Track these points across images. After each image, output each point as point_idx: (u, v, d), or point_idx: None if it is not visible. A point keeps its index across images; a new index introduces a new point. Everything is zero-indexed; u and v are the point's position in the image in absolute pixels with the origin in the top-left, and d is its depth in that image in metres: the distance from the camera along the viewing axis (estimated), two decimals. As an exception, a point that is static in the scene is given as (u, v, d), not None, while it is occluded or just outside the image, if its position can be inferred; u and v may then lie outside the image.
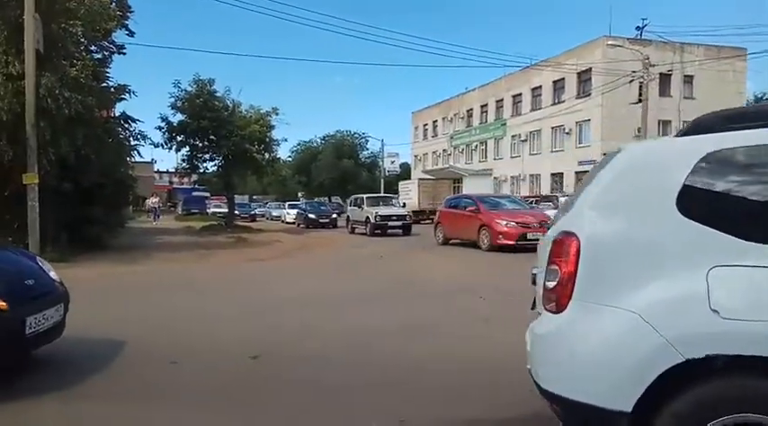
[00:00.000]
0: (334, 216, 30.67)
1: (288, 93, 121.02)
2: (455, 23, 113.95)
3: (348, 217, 25.60)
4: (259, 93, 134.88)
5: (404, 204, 28.89)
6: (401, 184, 49.65)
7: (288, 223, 35.03)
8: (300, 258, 14.93)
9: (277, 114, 26.50)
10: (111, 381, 4.29)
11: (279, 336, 5.73)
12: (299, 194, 62.31)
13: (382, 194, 37.02)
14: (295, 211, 35.86)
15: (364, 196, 25.16)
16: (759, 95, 42.62)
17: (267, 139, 26.12)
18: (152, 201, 36.07)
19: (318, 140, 68.10)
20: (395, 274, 10.93)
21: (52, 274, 4.74)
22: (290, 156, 68.58)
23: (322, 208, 34.11)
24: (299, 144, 68.27)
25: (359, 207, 23.81)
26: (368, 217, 22.16)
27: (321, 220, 30.08)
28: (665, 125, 34.40)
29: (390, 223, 21.67)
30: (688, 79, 34.81)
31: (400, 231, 21.51)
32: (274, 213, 43.96)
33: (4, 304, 3.87)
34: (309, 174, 62.21)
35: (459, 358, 4.90)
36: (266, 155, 26.66)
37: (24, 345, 4.21)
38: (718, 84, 34.11)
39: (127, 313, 6.95)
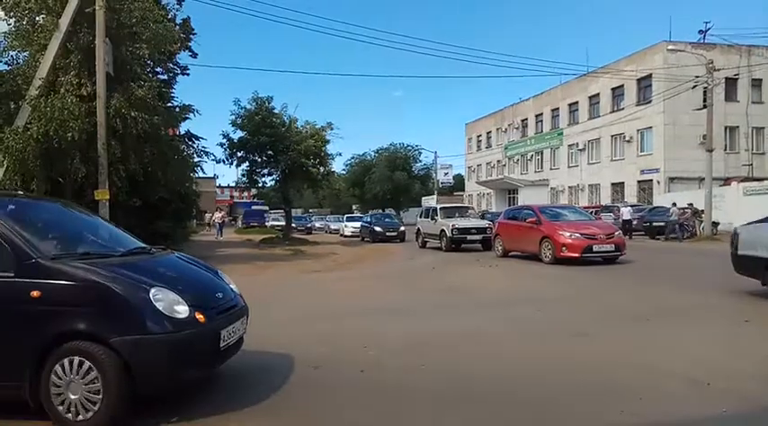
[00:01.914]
0: (402, 229, 28.20)
1: (342, 108, 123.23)
2: (507, 32, 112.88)
3: (418, 229, 23.18)
4: (315, 108, 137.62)
5: (482, 215, 26.69)
6: (424, 199, 49.46)
7: (346, 236, 33.85)
8: (356, 270, 15.04)
9: (332, 129, 27.01)
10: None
11: (342, 343, 5.79)
12: (354, 207, 62.93)
13: (458, 204, 36.32)
14: (354, 224, 34.49)
15: (438, 206, 23.21)
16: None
17: (322, 153, 26.60)
18: (217, 217, 35.63)
19: (372, 153, 68.69)
20: (454, 286, 10.80)
21: (233, 286, 4.70)
22: (344, 170, 69.50)
23: (387, 220, 31.39)
24: (352, 157, 69.09)
25: (432, 219, 21.53)
26: (443, 231, 19.87)
27: (388, 233, 27.77)
28: (731, 131, 32.78)
29: (469, 236, 19.46)
30: (756, 83, 33.07)
31: (480, 246, 19.24)
32: (333, 226, 43.04)
33: (202, 316, 3.79)
34: (363, 187, 62.73)
35: (541, 377, 4.81)
36: (321, 169, 27.16)
37: (218, 359, 4.12)
38: (791, 86, 32.24)
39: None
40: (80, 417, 3.46)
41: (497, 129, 54.15)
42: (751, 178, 29.98)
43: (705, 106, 23.95)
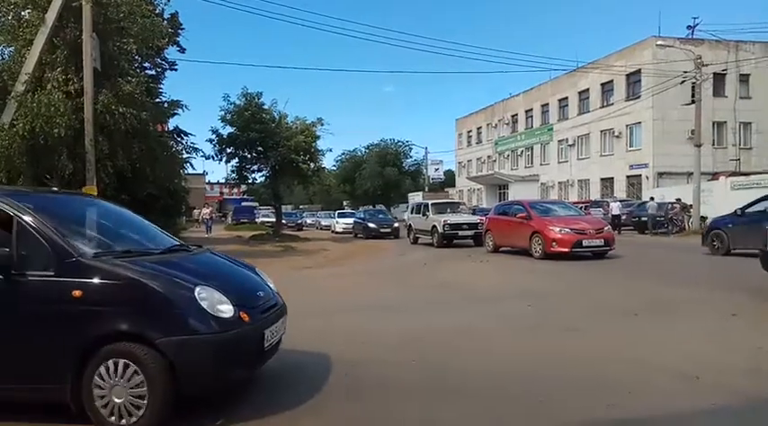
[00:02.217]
0: (396, 225, 27.89)
1: (332, 104, 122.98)
2: (499, 29, 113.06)
3: (410, 225, 23.17)
4: (305, 104, 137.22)
5: (474, 211, 26.48)
6: (410, 195, 49.61)
7: (337, 233, 33.50)
8: (347, 266, 15.02)
9: (322, 124, 26.91)
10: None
11: (333, 339, 5.78)
12: (344, 203, 62.80)
13: (449, 200, 36.25)
14: (346, 220, 34.07)
15: (429, 202, 22.81)
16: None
17: (312, 149, 26.52)
18: (205, 213, 35.13)
19: (362, 149, 68.61)
20: (445, 282, 10.83)
21: (271, 284, 4.58)
22: (334, 166, 69.32)
23: (381, 216, 31.30)
24: (343, 153, 68.94)
25: (423, 214, 21.37)
26: (434, 226, 19.88)
27: (382, 230, 27.48)
28: (719, 126, 33.06)
29: (461, 232, 19.47)
30: (744, 78, 33.35)
31: (471, 242, 19.26)
32: (324, 222, 42.61)
33: (246, 316, 3.67)
34: (354, 183, 62.67)
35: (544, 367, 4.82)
36: (312, 165, 27.08)
37: (262, 360, 4.00)
38: (778, 82, 32.57)
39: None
40: (124, 421, 3.36)
41: (488, 125, 54.25)
42: (738, 173, 30.25)
43: (693, 101, 24.16)
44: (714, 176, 29.35)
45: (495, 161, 52.24)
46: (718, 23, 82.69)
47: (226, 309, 3.55)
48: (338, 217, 37.55)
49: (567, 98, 41.70)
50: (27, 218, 3.56)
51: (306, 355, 5.10)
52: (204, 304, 3.47)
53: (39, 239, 3.49)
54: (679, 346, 5.33)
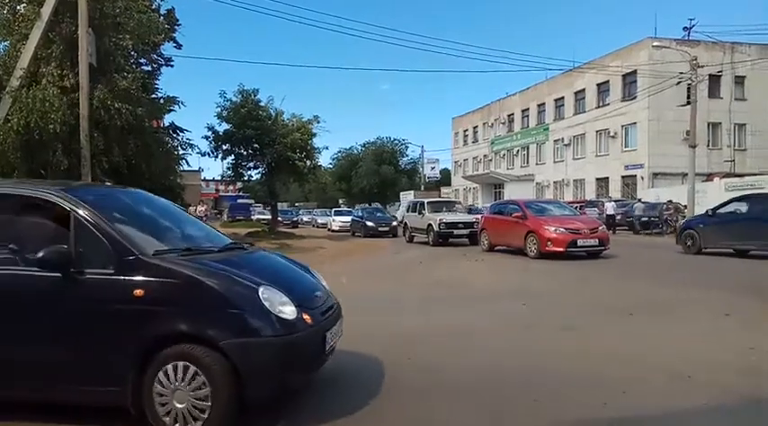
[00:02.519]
0: (395, 224, 27.44)
1: (329, 101, 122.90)
2: (495, 28, 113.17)
3: (405, 224, 23.18)
4: (301, 101, 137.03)
5: (470, 210, 26.78)
6: (402, 194, 49.74)
7: (334, 231, 33.13)
8: (343, 264, 15.02)
9: (318, 122, 26.89)
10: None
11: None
12: (340, 201, 62.79)
13: (445, 198, 35.92)
14: (343, 218, 33.70)
15: (425, 201, 22.68)
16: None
17: (308, 147, 26.50)
18: (199, 210, 33.49)
19: (359, 147, 68.59)
20: (441, 280, 10.86)
21: (326, 284, 4.45)
22: (330, 164, 69.25)
23: (379, 215, 30.75)
24: (339, 151, 68.90)
25: (419, 213, 21.34)
26: (430, 225, 19.86)
27: (380, 229, 27.10)
28: (714, 128, 33.21)
29: (456, 231, 19.56)
30: (739, 80, 33.51)
31: (467, 241, 19.28)
32: (320, 220, 42.03)
33: (309, 317, 3.55)
34: (350, 181, 62.65)
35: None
36: (308, 163, 27.06)
37: (321, 363, 3.85)
38: (772, 83, 32.73)
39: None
40: None
41: (484, 124, 54.33)
42: (732, 174, 30.42)
43: (689, 102, 24.28)
44: (708, 177, 29.51)
45: (491, 160, 52.33)
46: (714, 25, 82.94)
47: (289, 310, 3.41)
48: (335, 215, 37.07)
49: (563, 98, 41.79)
50: (85, 214, 3.43)
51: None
52: (267, 304, 3.33)
53: (97, 236, 3.37)
54: (672, 345, 5.36)
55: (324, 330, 3.69)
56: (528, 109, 46.89)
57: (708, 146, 32.48)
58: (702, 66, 25.37)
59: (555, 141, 42.52)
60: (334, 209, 41.58)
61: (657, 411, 3.69)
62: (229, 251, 4.14)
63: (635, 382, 4.23)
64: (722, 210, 13.99)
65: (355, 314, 7.32)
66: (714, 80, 32.01)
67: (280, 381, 3.43)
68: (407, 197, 45.63)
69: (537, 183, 43.84)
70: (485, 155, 53.87)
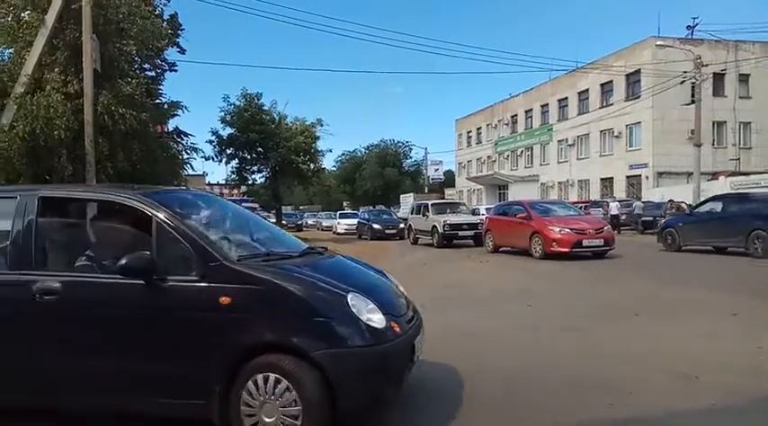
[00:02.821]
0: (402, 226, 26.62)
1: (332, 105, 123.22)
2: (498, 29, 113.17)
3: (410, 226, 23.17)
4: (304, 104, 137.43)
5: (474, 211, 26.29)
6: (402, 197, 49.92)
7: (339, 234, 32.80)
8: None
9: (322, 125, 27.02)
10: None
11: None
12: (344, 203, 62.86)
13: (449, 200, 35.95)
14: (348, 221, 33.31)
15: (429, 202, 22.81)
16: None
17: (312, 150, 26.61)
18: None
19: (362, 150, 68.72)
20: (445, 282, 10.81)
21: (404, 290, 4.25)
22: (334, 166, 69.38)
23: (385, 217, 30.39)
24: (343, 154, 69.07)
25: (423, 215, 21.38)
26: (435, 227, 19.87)
27: (387, 231, 26.85)
28: (719, 126, 33.06)
29: (461, 232, 19.50)
30: (743, 78, 33.32)
31: (472, 242, 19.26)
32: (325, 223, 41.62)
33: (397, 326, 3.36)
34: (353, 184, 62.72)
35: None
36: (311, 166, 27.16)
37: (409, 373, 3.59)
38: (777, 81, 32.58)
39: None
40: None
41: (487, 125, 54.28)
42: (738, 172, 30.26)
43: (693, 101, 24.22)
44: (714, 176, 29.38)
45: (494, 161, 52.27)
46: (717, 23, 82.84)
47: (377, 319, 3.22)
48: (340, 217, 36.75)
49: (566, 98, 41.71)
50: (167, 219, 3.29)
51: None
52: (356, 312, 3.16)
53: (180, 241, 3.23)
54: (678, 346, 5.34)
55: (412, 339, 3.50)
56: (531, 109, 46.83)
57: (713, 144, 32.32)
58: (706, 65, 25.31)
59: (559, 141, 42.43)
60: (339, 212, 41.36)
61: (663, 411, 3.67)
62: (308, 255, 3.97)
63: (641, 383, 4.21)
64: (699, 210, 15.13)
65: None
66: (718, 78, 31.89)
67: (373, 393, 3.25)
68: (407, 199, 45.83)
69: (541, 184, 43.75)
70: (488, 157, 53.81)
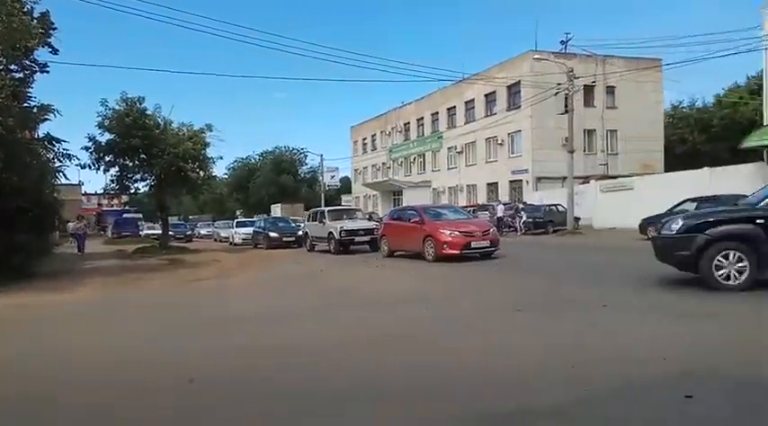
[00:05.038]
0: (300, 233, 25.67)
1: (223, 110, 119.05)
2: (394, 40, 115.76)
3: (306, 233, 23.10)
4: (192, 110, 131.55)
5: (370, 216, 27.04)
6: (273, 206, 50.49)
7: (236, 244, 31.12)
8: (240, 277, 14.57)
9: (211, 131, 25.88)
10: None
11: (211, 354, 5.57)
12: (237, 212, 61.04)
13: (345, 206, 36.24)
14: (247, 230, 31.34)
15: (326, 209, 22.96)
16: (675, 104, 45.56)
17: (201, 157, 25.44)
18: (74, 226, 28.90)
19: (256, 157, 67.21)
20: (342, 288, 10.85)
21: None
22: (226, 174, 67.19)
23: (282, 224, 29.30)
24: (236, 161, 67.11)
25: (319, 221, 21.41)
26: (331, 233, 19.86)
27: (285, 239, 26.12)
28: (589, 134, 36.16)
29: (357, 238, 19.71)
30: (610, 90, 36.74)
31: (368, 247, 19.48)
32: (223, 233, 38.28)
33: None
34: (247, 191, 61.08)
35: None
36: (201, 173, 25.98)
37: None
38: (638, 93, 36.36)
39: (38, 346, 6.57)
40: None
41: (382, 132, 55.33)
42: (607, 176, 33.35)
43: (567, 111, 26.24)
44: (585, 180, 32.07)
45: (389, 167, 53.39)
46: (588, 39, 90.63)
47: None
48: (237, 226, 34.51)
49: (454, 107, 43.62)
50: None
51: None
52: None
53: None
54: (555, 339, 5.72)
55: None
56: (423, 118, 48.43)
57: (584, 151, 35.30)
58: (578, 78, 27.54)
59: (449, 148, 44.25)
60: (236, 221, 38.83)
61: (541, 402, 3.88)
62: None
63: (533, 376, 4.47)
64: (675, 210, 16.65)
65: (247, 326, 7.16)
66: (588, 90, 34.87)
67: None
68: (276, 209, 47.26)
69: (433, 189, 45.33)
70: (383, 163, 54.85)
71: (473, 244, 14.30)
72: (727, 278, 7.50)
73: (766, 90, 22.87)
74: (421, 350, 5.55)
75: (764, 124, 22.34)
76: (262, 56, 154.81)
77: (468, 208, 27.37)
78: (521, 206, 28.75)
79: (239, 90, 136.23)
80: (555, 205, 27.51)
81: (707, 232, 7.60)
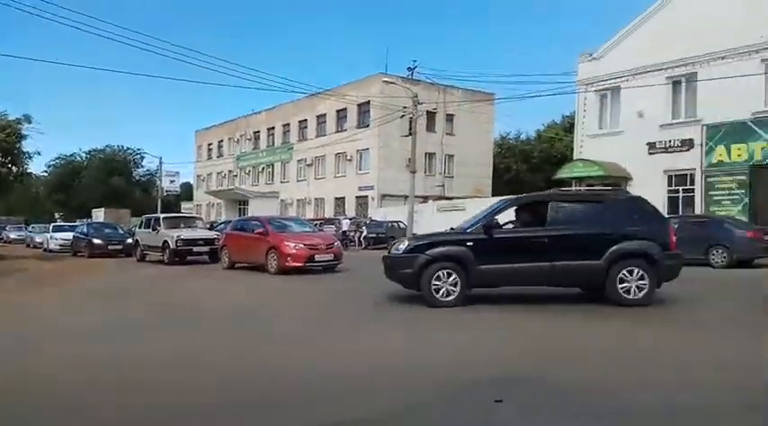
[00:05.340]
0: (130, 241, 23.34)
1: (45, 101, 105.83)
2: (245, 45, 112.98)
3: (137, 241, 21.25)
4: (5, 97, 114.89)
5: (211, 226, 25.46)
6: (94, 211, 47.71)
7: (52, 251, 27.25)
8: (54, 288, 12.96)
9: (30, 123, 23.00)
10: None
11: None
12: (57, 215, 54.61)
13: (184, 214, 34.01)
14: (65, 236, 27.60)
15: (161, 216, 21.64)
16: (504, 135, 50.37)
17: (15, 151, 22.47)
18: None
19: (83, 155, 60.91)
20: (174, 301, 10.19)
21: None
22: (45, 171, 59.99)
23: (108, 230, 26.23)
24: (57, 158, 60.11)
25: (153, 229, 19.85)
26: (166, 242, 18.49)
27: (111, 247, 23.61)
28: (430, 157, 38.55)
29: (195, 248, 18.62)
30: (449, 117, 39.48)
31: (207, 258, 18.52)
32: (38, 239, 33.10)
33: None
34: (69, 192, 55.01)
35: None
36: (13, 169, 22.94)
37: None
38: (473, 123, 39.62)
39: None
40: None
41: (229, 139, 53.56)
42: (443, 197, 35.76)
43: (410, 133, 27.71)
44: (425, 199, 34.05)
45: (236, 176, 51.74)
46: (433, 67, 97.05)
47: None
48: (54, 231, 30.31)
49: (306, 120, 43.73)
50: None
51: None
52: None
53: None
54: (399, 346, 5.95)
55: None
56: (274, 127, 47.77)
57: (425, 172, 37.45)
58: (422, 103, 29.26)
59: (299, 161, 44.16)
60: (52, 225, 34.20)
61: (384, 412, 3.97)
62: None
63: (379, 384, 4.53)
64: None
65: (68, 342, 6.39)
66: (431, 116, 37.16)
67: None
68: (98, 214, 45.41)
69: (281, 201, 44.80)
70: (230, 171, 52.99)
71: (317, 257, 14.36)
72: (445, 294, 8.42)
73: (576, 128, 26.23)
74: (238, 367, 5.38)
75: (574, 159, 25.53)
76: (99, 46, 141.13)
77: (315, 222, 27.50)
78: (362, 221, 29.72)
79: (73, 80, 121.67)
80: (396, 222, 28.77)
81: (427, 252, 8.52)
